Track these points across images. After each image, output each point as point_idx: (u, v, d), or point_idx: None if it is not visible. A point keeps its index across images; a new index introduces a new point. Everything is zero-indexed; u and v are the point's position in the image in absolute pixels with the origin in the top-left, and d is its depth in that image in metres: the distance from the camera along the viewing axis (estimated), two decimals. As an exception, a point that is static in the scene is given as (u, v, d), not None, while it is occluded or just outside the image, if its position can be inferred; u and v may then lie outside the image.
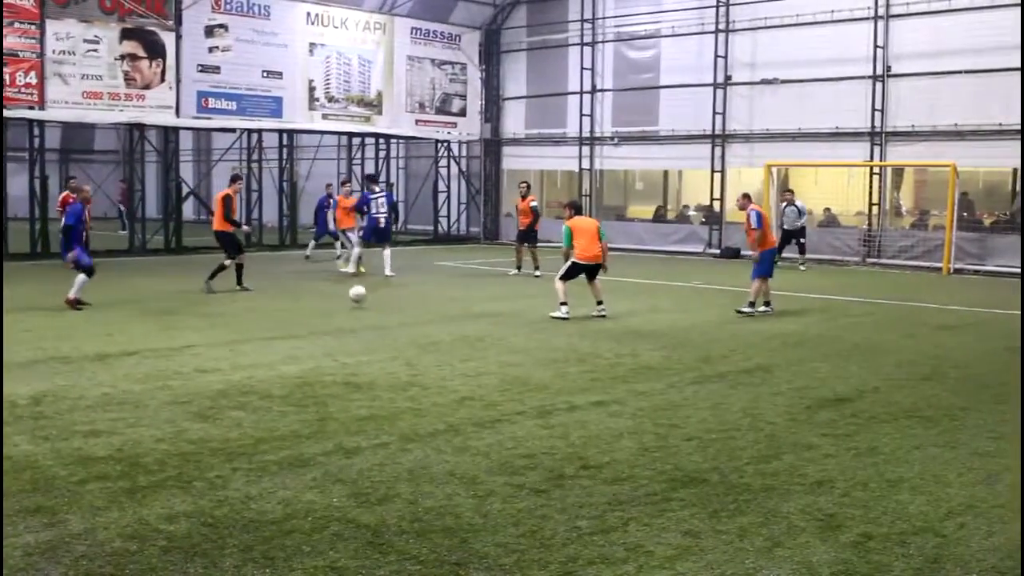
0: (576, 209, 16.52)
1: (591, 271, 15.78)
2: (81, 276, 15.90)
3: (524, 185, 24.03)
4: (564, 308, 15.27)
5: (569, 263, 15.73)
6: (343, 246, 24.00)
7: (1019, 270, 23.66)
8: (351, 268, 22.41)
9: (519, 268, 23.05)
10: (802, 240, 25.51)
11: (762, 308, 16.15)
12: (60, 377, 10.35)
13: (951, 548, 5.76)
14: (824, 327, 14.98)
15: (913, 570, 5.44)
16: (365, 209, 21.75)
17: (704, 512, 6.33)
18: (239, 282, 18.61)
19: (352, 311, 15.95)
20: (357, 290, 16.58)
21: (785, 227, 25.39)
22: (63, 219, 16.63)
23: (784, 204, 25.92)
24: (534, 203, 23.64)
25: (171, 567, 5.34)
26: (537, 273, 22.05)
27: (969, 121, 25.33)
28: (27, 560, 5.40)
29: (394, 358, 11.77)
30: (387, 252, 21.98)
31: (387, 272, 21.45)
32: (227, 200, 18.91)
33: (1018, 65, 24.04)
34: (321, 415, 8.85)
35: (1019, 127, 24.00)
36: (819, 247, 27.65)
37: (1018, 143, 24.07)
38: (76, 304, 15.69)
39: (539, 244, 23.10)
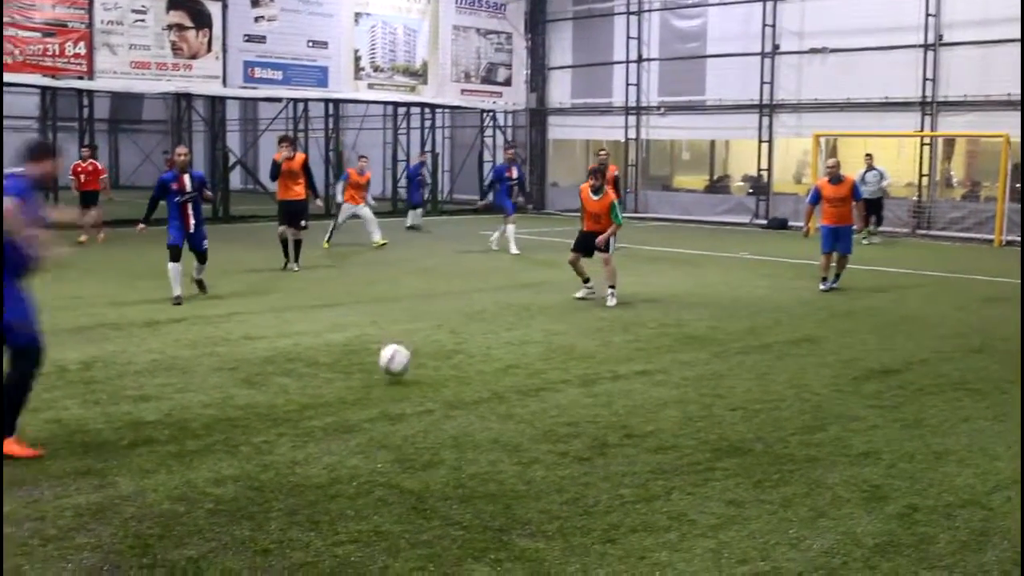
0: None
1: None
2: (198, 266, 13.93)
3: (604, 153, 22.90)
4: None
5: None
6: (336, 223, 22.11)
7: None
8: (377, 237, 21.33)
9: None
10: (880, 212, 24.47)
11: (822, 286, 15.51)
12: (110, 343, 10.49)
13: (998, 521, 5.71)
14: (872, 299, 14.82)
15: (959, 543, 5.40)
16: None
17: (748, 482, 6.31)
18: (294, 256, 17.08)
19: (396, 280, 16.00)
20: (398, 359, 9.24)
21: (865, 196, 24.22)
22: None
23: (864, 170, 24.69)
24: (616, 173, 22.20)
25: (217, 529, 5.42)
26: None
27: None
28: (78, 520, 5.49)
29: (439, 326, 11.80)
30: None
31: (512, 250, 20.51)
32: (308, 167, 17.64)
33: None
34: (366, 382, 8.91)
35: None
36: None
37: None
38: (200, 284, 14.00)
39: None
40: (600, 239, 13.85)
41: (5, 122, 41.39)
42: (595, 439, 7.23)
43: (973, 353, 10.80)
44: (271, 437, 7.14)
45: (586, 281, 14.22)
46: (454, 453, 6.82)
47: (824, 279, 15.56)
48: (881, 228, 25.40)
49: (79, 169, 22.05)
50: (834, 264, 15.65)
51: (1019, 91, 24.66)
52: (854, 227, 16.01)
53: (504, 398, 8.41)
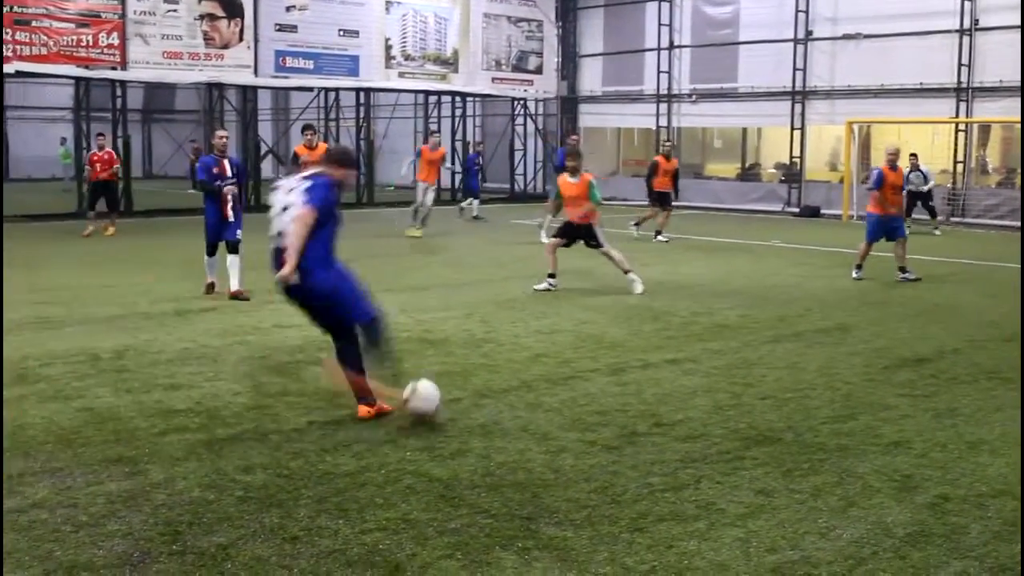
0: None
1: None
2: (231, 258, 12.87)
3: (669, 144, 22.67)
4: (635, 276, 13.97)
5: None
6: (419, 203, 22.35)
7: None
8: (416, 229, 21.23)
9: (638, 224, 21.62)
10: (930, 203, 24.36)
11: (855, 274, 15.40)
12: (142, 332, 10.56)
13: (1031, 511, 5.66)
14: (905, 287, 14.70)
15: (991, 532, 5.35)
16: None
17: (777, 471, 6.28)
18: None
19: (426, 267, 16.02)
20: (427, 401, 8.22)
21: (911, 189, 24.24)
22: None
23: (909, 170, 24.66)
24: (677, 166, 22.26)
25: (247, 516, 5.45)
26: (663, 238, 20.92)
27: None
28: (109, 508, 5.54)
29: (469, 315, 11.81)
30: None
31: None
32: None
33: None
34: (395, 370, 8.90)
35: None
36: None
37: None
38: (238, 296, 12.78)
39: (616, 202, 22.52)
40: (578, 216, 13.82)
41: (40, 113, 41.72)
42: (624, 428, 7.21)
43: (1007, 342, 10.68)
44: (301, 425, 7.17)
45: (551, 276, 13.91)
46: (483, 441, 6.82)
47: (859, 267, 15.40)
48: (915, 216, 25.22)
49: (95, 159, 21.86)
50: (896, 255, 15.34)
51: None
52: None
53: (533, 387, 8.41)
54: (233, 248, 12.87)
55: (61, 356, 9.24)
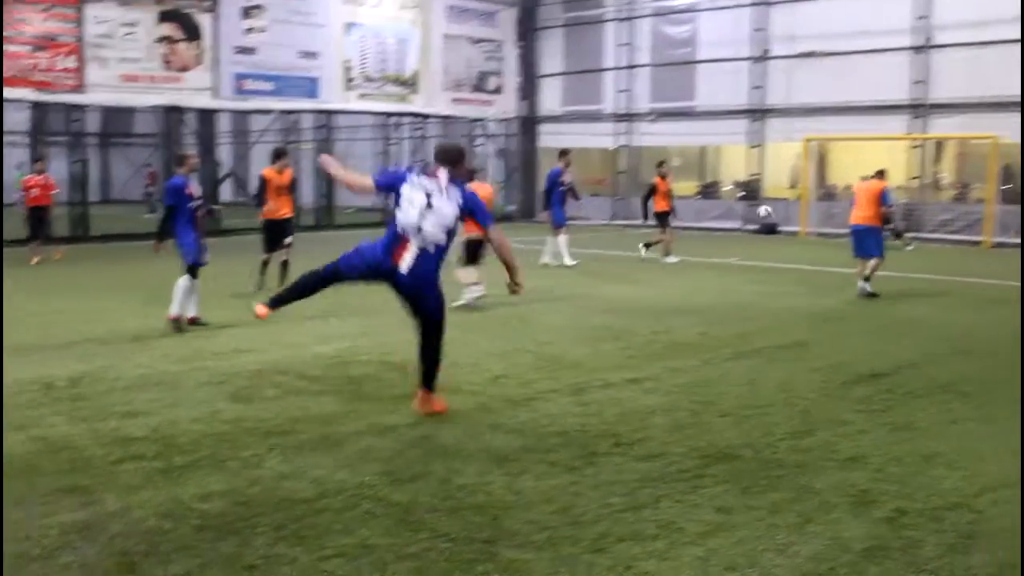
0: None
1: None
2: (181, 281, 12.25)
3: (667, 165, 22.35)
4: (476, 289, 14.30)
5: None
6: None
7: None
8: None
9: (647, 246, 21.47)
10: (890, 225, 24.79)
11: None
12: (98, 358, 10.45)
13: (985, 524, 5.71)
14: (862, 303, 14.84)
15: (946, 546, 5.39)
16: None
17: (736, 488, 6.31)
18: (281, 278, 15.09)
19: (384, 289, 15.90)
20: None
21: None
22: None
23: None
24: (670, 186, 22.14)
25: (204, 545, 5.39)
26: (672, 259, 20.76)
27: (1012, 92, 24.92)
28: (63, 539, 5.46)
29: (429, 337, 11.76)
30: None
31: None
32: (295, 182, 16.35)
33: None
34: (355, 394, 8.90)
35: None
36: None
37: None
38: (188, 323, 12.35)
39: (578, 222, 22.27)
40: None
41: (-4, 137, 40.65)
42: (584, 448, 7.22)
43: (962, 356, 10.82)
44: (259, 451, 7.12)
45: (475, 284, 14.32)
46: (443, 464, 6.80)
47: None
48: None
49: (31, 184, 21.38)
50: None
51: (1010, 92, 24.78)
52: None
53: (493, 408, 8.40)
54: (197, 272, 12.52)
55: (13, 385, 9.10)
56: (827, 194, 30.03)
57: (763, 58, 29.78)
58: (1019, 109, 24.73)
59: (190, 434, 7.56)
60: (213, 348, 11.05)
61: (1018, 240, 24.81)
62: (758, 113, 30.05)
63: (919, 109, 26.91)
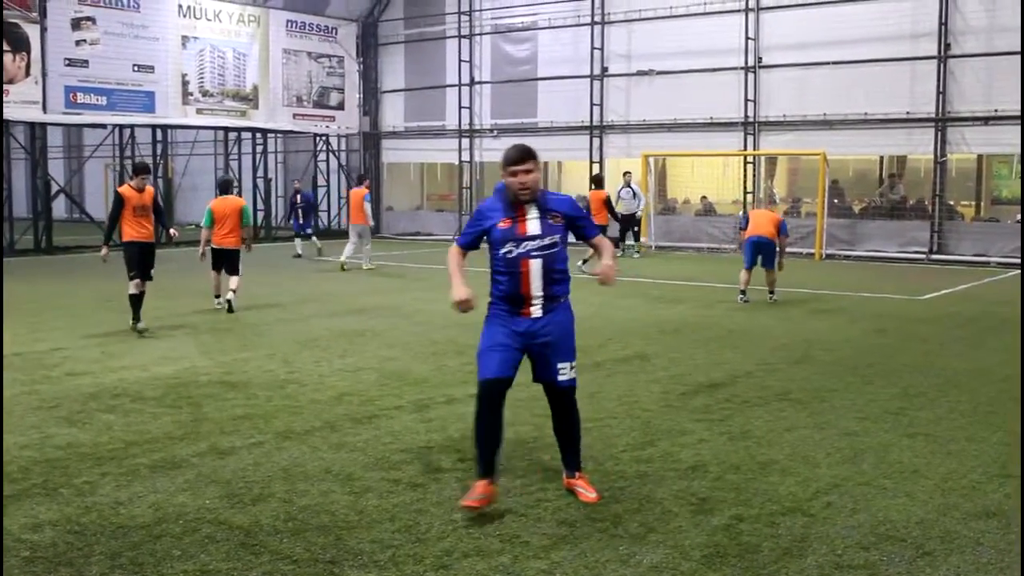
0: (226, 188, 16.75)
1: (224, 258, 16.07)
2: None
3: (599, 174, 24.18)
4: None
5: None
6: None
7: (888, 254, 24.61)
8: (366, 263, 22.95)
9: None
10: (635, 228, 26.29)
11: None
12: (-81, 384, 9.96)
13: (818, 527, 5.91)
14: (700, 314, 15.23)
15: (781, 550, 5.56)
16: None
17: (579, 501, 6.37)
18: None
19: (227, 312, 15.65)
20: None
21: (623, 212, 25.88)
22: None
23: (620, 187, 26.46)
24: (608, 196, 23.35)
25: (34, 577, 5.18)
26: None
27: (837, 111, 26.08)
28: None
29: (271, 355, 11.61)
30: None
31: None
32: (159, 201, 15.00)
33: (873, 57, 25.02)
34: (195, 416, 8.68)
35: (883, 117, 24.88)
36: (696, 235, 28.30)
37: (883, 131, 25.02)
38: None
39: (420, 237, 22.83)
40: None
41: None
42: (428, 465, 7.20)
43: (796, 364, 11.20)
44: (93, 477, 6.88)
45: (218, 296, 15.84)
46: (285, 485, 6.69)
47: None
48: (708, 245, 26.86)
49: None
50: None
51: (835, 110, 25.95)
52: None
53: (337, 427, 8.31)
54: None
55: None
56: (666, 208, 30.81)
57: (601, 76, 30.33)
58: (844, 128, 25.87)
59: (19, 461, 7.25)
60: (44, 372, 10.64)
61: (847, 252, 25.90)
62: (598, 129, 30.59)
63: (750, 126, 27.82)
